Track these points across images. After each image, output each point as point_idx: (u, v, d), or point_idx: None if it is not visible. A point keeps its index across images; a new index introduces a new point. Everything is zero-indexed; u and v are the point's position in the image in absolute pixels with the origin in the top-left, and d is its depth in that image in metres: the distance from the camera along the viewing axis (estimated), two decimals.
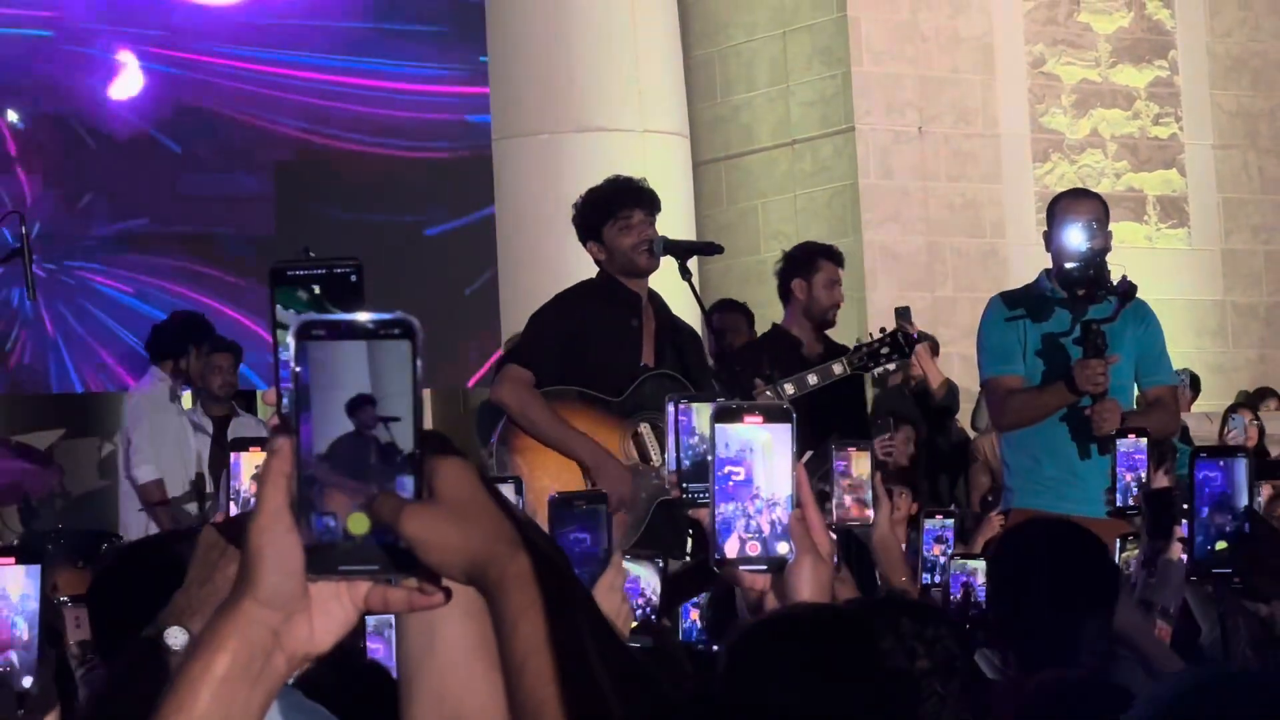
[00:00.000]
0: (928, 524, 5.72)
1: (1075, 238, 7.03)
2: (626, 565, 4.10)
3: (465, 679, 1.79)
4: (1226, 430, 11.44)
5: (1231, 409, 12.03)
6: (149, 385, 9.98)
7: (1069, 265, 7.00)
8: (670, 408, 4.25)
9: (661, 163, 11.42)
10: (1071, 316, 7.07)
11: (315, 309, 2.13)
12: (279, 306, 2.14)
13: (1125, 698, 3.09)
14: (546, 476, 6.88)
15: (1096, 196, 7.44)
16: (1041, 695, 3.05)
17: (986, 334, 7.26)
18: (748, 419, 2.60)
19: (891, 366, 7.89)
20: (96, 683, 2.65)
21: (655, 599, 4.07)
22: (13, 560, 2.76)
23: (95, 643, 3.34)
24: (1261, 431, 11.74)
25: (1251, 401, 13.13)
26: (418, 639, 1.65)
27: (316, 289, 2.11)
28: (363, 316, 1.51)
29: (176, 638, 2.52)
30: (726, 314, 9.80)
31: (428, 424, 1.56)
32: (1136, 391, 7.29)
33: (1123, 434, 5.42)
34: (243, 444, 3.50)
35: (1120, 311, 7.05)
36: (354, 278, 2.10)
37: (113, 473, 11.60)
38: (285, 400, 2.15)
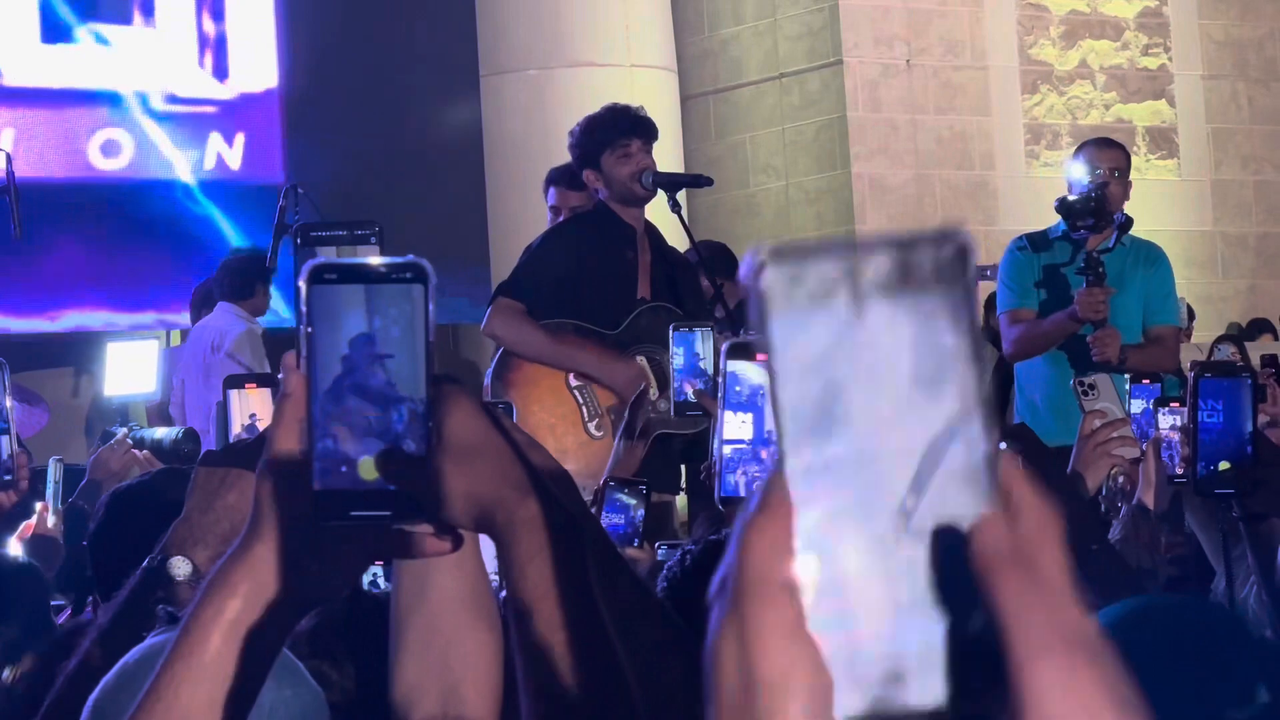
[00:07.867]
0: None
1: (1077, 171, 7.36)
2: (612, 494, 4.10)
3: (453, 628, 1.81)
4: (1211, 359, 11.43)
5: (1219, 340, 12.01)
6: (226, 322, 9.79)
7: (1070, 197, 7.29)
8: (671, 334, 4.25)
9: (649, 97, 11.30)
10: (1072, 248, 7.30)
11: None
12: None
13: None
14: (541, 409, 6.84)
15: (1119, 147, 7.64)
16: None
17: (1001, 270, 7.50)
18: (761, 356, 2.55)
19: None
20: (100, 616, 2.63)
21: (639, 526, 4.07)
22: None
23: (97, 587, 3.32)
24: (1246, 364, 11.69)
25: (1242, 335, 13.10)
26: (410, 587, 1.64)
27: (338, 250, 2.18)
28: (374, 260, 1.49)
29: (179, 567, 2.52)
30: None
31: None
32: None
33: (1137, 377, 5.15)
34: (237, 381, 3.45)
35: (1118, 241, 7.28)
36: (373, 240, 2.14)
37: (95, 410, 11.57)
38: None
